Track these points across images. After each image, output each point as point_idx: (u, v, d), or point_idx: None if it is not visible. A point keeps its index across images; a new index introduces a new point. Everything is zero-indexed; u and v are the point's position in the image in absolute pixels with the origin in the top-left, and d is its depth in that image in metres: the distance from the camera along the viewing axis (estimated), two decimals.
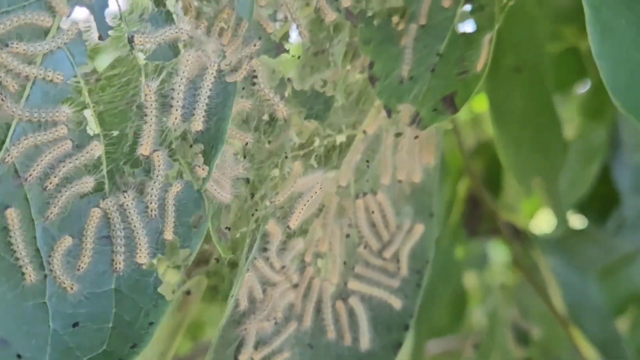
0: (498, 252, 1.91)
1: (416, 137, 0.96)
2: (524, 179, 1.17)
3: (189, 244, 0.75)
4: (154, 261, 0.74)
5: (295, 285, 0.93)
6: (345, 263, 0.96)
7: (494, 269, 1.89)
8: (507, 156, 1.14)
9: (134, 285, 0.73)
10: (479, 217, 1.54)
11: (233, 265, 0.90)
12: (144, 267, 0.74)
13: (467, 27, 0.93)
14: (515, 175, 1.18)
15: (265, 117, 0.90)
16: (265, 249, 0.90)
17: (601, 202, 1.53)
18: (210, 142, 0.77)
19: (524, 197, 1.66)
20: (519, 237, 1.47)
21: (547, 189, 1.19)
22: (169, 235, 0.75)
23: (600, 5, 0.71)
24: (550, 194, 1.21)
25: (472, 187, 1.52)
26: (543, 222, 1.89)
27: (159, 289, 0.73)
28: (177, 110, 0.77)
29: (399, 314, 0.98)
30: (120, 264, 0.73)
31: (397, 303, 0.98)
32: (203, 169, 0.77)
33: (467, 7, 0.92)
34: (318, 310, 0.96)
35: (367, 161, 0.96)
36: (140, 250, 0.74)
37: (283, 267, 0.91)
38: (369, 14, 0.93)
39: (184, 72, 0.77)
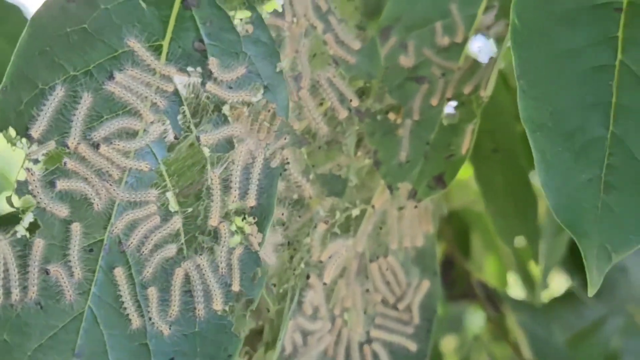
0: (474, 317, 2.10)
1: (415, 206, 1.17)
2: (509, 241, 1.40)
3: (252, 294, 0.95)
4: (226, 308, 0.93)
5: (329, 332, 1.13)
6: (365, 313, 1.16)
7: (470, 332, 2.08)
8: (494, 222, 1.37)
9: (213, 327, 0.92)
10: (453, 280, 1.74)
11: (278, 314, 1.09)
12: (219, 313, 0.93)
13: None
14: (502, 238, 1.40)
15: (295, 196, 1.11)
16: (302, 302, 1.10)
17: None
18: (262, 214, 0.97)
19: (491, 262, 1.88)
20: (494, 300, 1.67)
21: (532, 251, 1.41)
22: (236, 287, 0.94)
23: (545, 149, 0.92)
24: (535, 255, 1.43)
25: (447, 252, 1.73)
26: (512, 287, 2.08)
27: (232, 329, 0.92)
28: (235, 190, 0.97)
29: (415, 355, 1.18)
30: (201, 311, 0.92)
31: (412, 346, 1.18)
32: (257, 236, 0.98)
33: (452, 104, 1.16)
34: (347, 355, 1.15)
35: (380, 228, 1.17)
36: (216, 299, 0.93)
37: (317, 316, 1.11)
38: (372, 111, 1.17)
39: (239, 161, 0.98)
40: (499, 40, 1.16)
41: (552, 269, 1.69)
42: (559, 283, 2.03)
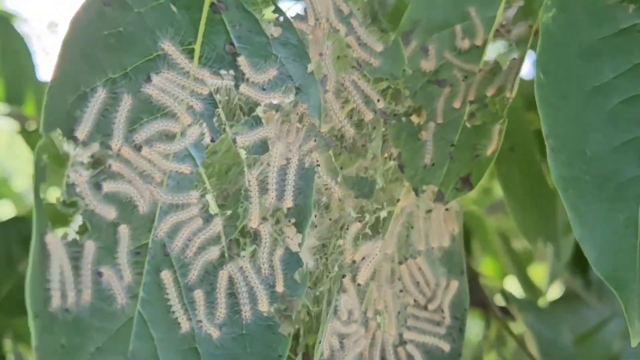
0: (473, 323, 2.09)
1: (447, 209, 1.17)
2: (531, 238, 1.40)
3: (296, 294, 0.94)
4: (272, 309, 0.92)
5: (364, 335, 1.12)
6: (399, 314, 1.16)
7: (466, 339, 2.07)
8: (515, 218, 1.38)
9: (260, 329, 0.91)
10: None
11: (316, 318, 1.08)
12: (264, 314, 0.92)
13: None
14: (524, 234, 1.40)
15: (324, 199, 1.11)
16: (337, 306, 1.09)
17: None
18: (300, 215, 0.97)
19: (489, 266, 1.89)
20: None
21: (553, 248, 1.42)
22: (280, 288, 0.94)
23: (577, 204, 0.91)
24: (557, 252, 1.44)
25: None
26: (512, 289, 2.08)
27: (279, 330, 0.91)
28: (272, 192, 0.97)
29: (449, 355, 1.17)
30: (247, 313, 0.91)
31: (446, 347, 1.17)
32: (296, 237, 0.97)
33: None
34: (383, 357, 1.14)
35: (411, 229, 1.17)
36: (262, 300, 0.92)
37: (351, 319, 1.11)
38: (395, 113, 1.17)
39: (274, 162, 0.98)
40: (519, 43, 1.17)
41: (560, 270, 1.70)
42: (553, 287, 2.03)
